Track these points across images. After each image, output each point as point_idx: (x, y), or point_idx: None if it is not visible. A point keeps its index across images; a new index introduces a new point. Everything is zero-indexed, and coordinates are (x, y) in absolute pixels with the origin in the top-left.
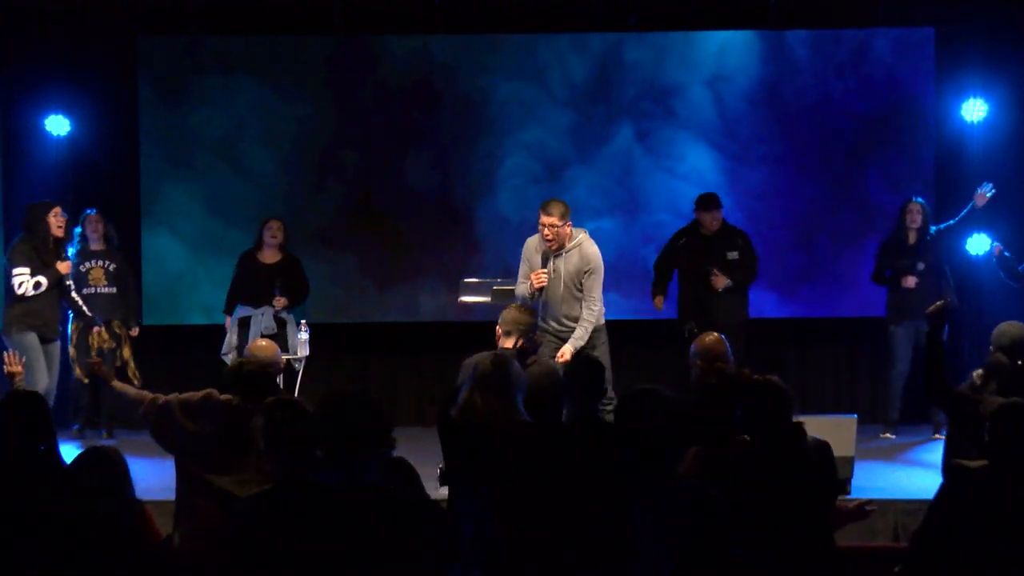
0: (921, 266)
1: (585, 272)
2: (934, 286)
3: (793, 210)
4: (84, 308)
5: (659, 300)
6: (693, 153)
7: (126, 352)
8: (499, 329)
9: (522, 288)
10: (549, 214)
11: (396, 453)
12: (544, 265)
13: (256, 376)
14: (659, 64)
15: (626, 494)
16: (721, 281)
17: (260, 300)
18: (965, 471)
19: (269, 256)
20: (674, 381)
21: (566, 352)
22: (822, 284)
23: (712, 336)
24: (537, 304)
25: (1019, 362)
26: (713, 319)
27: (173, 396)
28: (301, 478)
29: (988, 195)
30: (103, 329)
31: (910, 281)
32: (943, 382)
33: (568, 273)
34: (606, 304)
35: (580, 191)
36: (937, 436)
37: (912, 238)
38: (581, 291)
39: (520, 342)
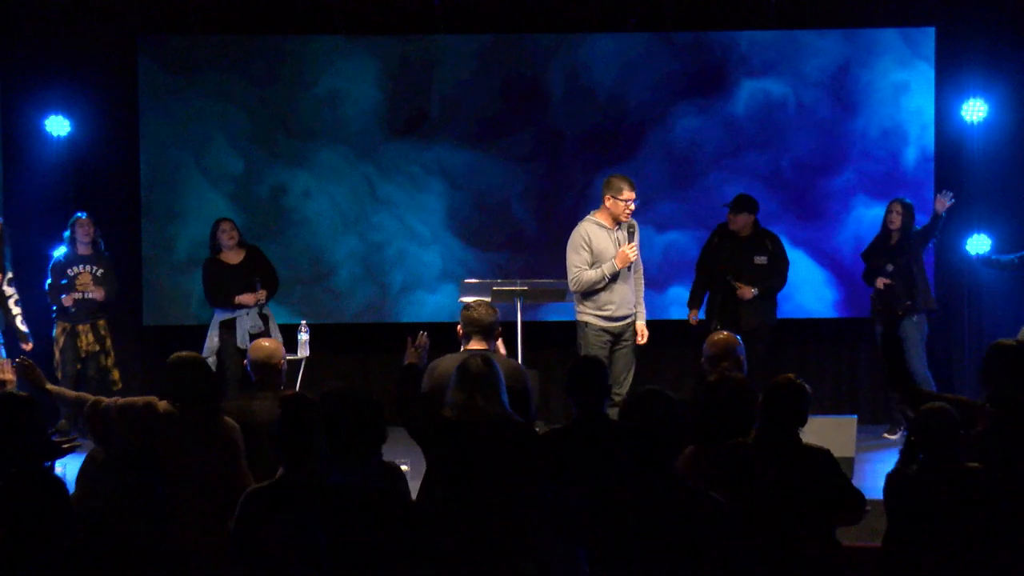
0: (889, 267)
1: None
2: (902, 287)
3: (791, 209)
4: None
5: (693, 314)
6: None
7: (111, 356)
8: (460, 329)
9: (591, 274)
10: (633, 189)
11: (396, 453)
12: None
13: (196, 379)
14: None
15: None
16: (748, 292)
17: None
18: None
19: (232, 256)
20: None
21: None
22: (821, 284)
23: (722, 335)
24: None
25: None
26: (740, 321)
27: (113, 400)
28: (308, 474)
29: (948, 203)
30: (89, 331)
31: (879, 282)
32: (907, 378)
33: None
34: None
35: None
36: (887, 436)
37: (894, 239)
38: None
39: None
